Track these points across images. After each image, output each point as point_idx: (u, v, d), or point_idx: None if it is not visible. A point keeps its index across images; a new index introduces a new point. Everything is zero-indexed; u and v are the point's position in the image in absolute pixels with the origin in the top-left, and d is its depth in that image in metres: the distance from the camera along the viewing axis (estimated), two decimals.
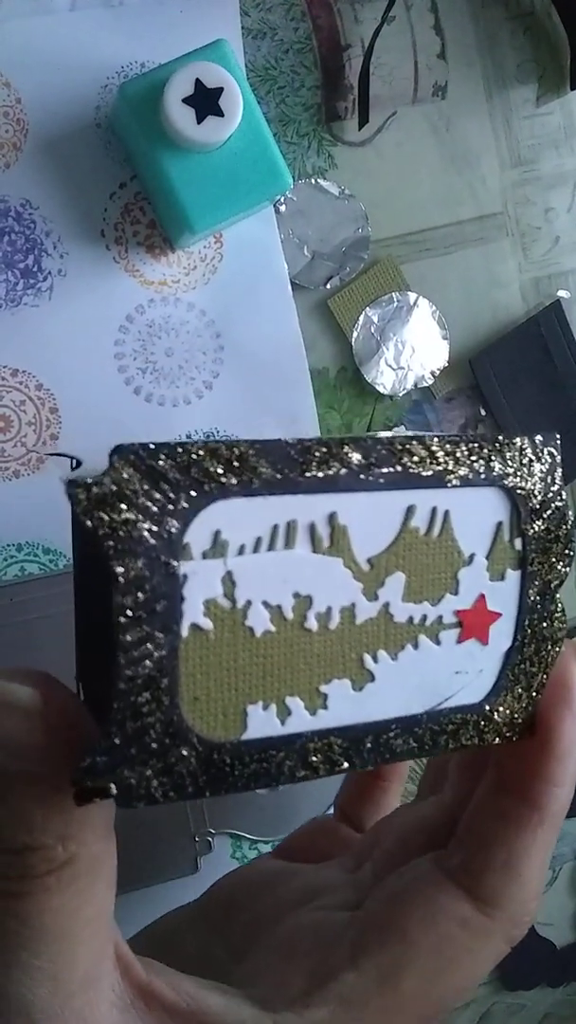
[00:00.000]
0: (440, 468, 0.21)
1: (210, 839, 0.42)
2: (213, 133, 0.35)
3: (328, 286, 0.43)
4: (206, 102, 0.35)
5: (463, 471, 0.22)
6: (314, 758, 0.20)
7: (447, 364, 0.45)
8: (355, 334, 0.44)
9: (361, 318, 0.44)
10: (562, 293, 0.47)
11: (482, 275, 0.46)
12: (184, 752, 0.18)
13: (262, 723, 0.19)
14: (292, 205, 0.42)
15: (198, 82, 0.35)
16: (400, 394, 0.44)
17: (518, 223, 0.46)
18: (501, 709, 0.23)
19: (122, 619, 0.17)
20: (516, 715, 0.23)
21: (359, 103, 0.43)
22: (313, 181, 0.43)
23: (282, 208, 0.42)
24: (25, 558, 0.40)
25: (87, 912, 0.19)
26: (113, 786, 0.18)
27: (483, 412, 0.46)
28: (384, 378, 0.44)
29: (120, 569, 0.17)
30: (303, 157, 0.43)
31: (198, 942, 0.26)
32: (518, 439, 0.23)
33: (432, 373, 0.45)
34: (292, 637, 0.20)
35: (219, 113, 0.35)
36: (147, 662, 0.18)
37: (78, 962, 0.18)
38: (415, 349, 0.44)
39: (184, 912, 0.28)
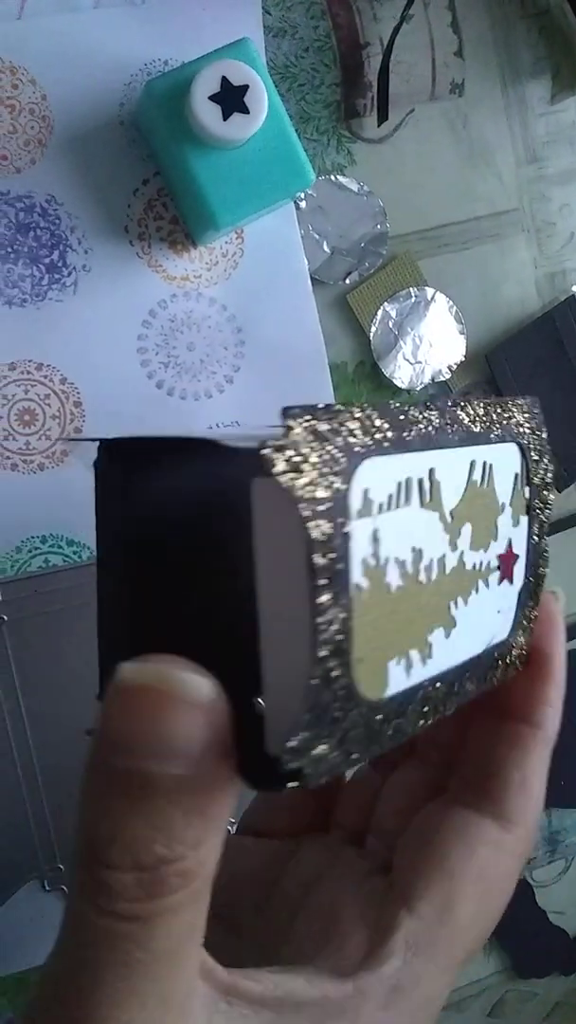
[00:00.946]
0: (485, 426, 0.23)
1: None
2: (239, 130, 0.36)
3: (347, 281, 0.44)
4: (232, 99, 0.35)
5: (498, 429, 0.24)
6: (426, 707, 0.21)
7: (464, 359, 0.46)
8: (373, 329, 0.44)
9: (379, 313, 0.44)
10: None
11: (498, 270, 0.46)
12: (357, 717, 0.18)
13: (398, 678, 0.20)
14: (312, 201, 0.43)
15: (224, 80, 0.35)
16: (417, 388, 0.45)
17: (533, 219, 0.47)
18: (519, 642, 0.25)
19: (320, 582, 0.17)
20: (524, 647, 0.26)
21: (378, 100, 0.43)
22: (333, 178, 0.43)
23: (302, 204, 0.43)
24: (49, 550, 0.41)
25: (200, 925, 0.18)
26: (308, 764, 0.17)
27: None
28: (402, 372, 0.44)
29: (315, 531, 0.17)
30: (323, 154, 0.43)
31: (216, 944, 0.26)
32: (520, 399, 0.26)
33: (449, 367, 0.45)
34: (411, 591, 0.20)
35: (245, 110, 0.36)
36: (335, 626, 0.17)
37: (185, 979, 0.18)
38: (432, 344, 0.45)
39: None
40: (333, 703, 0.17)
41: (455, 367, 0.45)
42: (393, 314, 0.44)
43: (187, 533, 0.21)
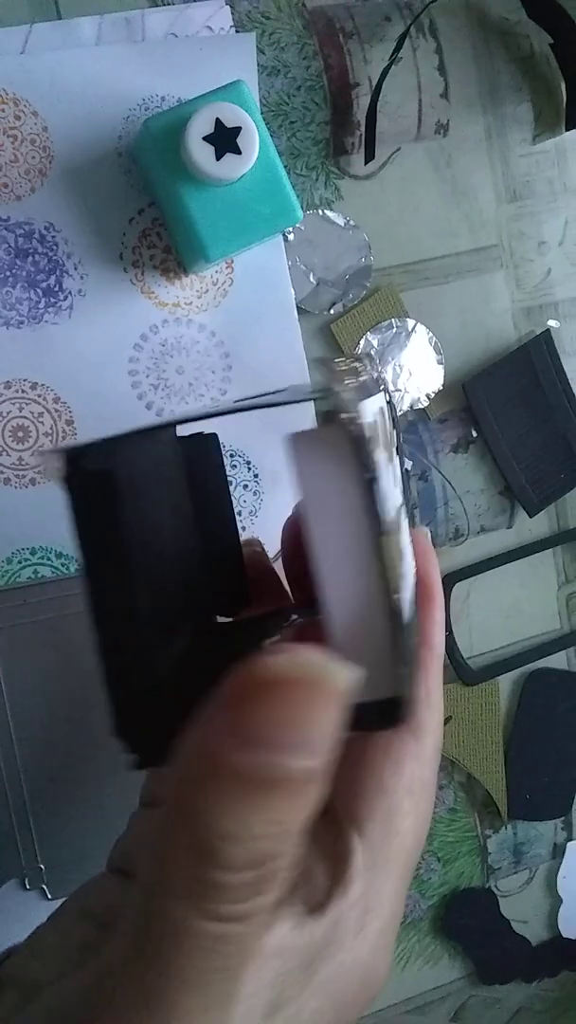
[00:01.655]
0: (376, 378, 0.27)
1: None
2: (230, 169, 0.37)
3: (332, 311, 0.46)
4: (225, 140, 0.37)
5: (380, 381, 0.27)
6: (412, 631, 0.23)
7: (442, 387, 0.48)
8: None
9: (362, 342, 0.46)
10: (552, 323, 0.50)
11: (477, 304, 0.48)
12: (409, 641, 0.21)
13: (406, 601, 0.22)
14: (300, 234, 0.45)
15: (218, 121, 0.37)
16: (397, 415, 0.47)
17: (512, 255, 0.49)
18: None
19: (386, 515, 0.19)
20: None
21: (366, 139, 0.45)
22: (320, 212, 0.45)
23: (290, 237, 0.45)
24: (39, 561, 0.42)
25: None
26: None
27: (474, 433, 0.49)
28: None
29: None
30: (311, 188, 0.45)
31: None
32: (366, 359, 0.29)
33: (427, 395, 0.47)
34: (401, 526, 0.23)
35: (237, 151, 0.37)
36: (394, 558, 0.19)
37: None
38: (412, 372, 0.47)
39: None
40: (402, 631, 0.20)
41: (433, 395, 0.47)
42: (375, 343, 0.46)
43: (176, 510, 0.22)
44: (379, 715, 0.19)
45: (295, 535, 0.31)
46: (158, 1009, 0.17)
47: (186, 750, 0.17)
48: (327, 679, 0.16)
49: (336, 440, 0.18)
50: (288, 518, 0.33)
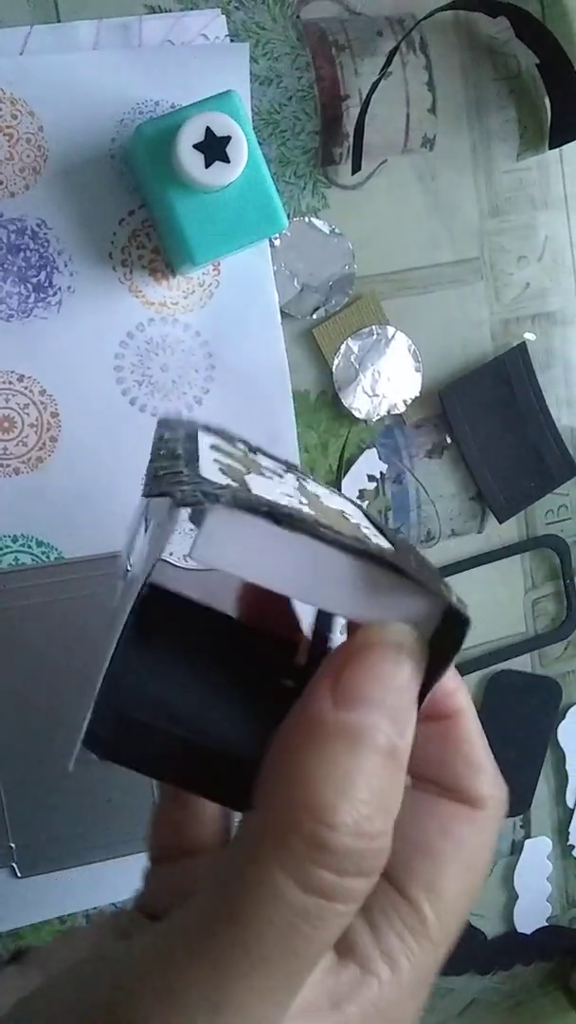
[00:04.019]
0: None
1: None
2: (219, 177, 0.39)
3: (314, 316, 0.47)
4: (214, 149, 0.38)
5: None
6: None
7: (418, 394, 0.49)
8: (336, 362, 0.47)
9: (342, 347, 0.47)
10: (528, 336, 0.51)
11: (456, 314, 0.50)
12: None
13: None
14: (286, 240, 0.46)
15: (208, 130, 0.38)
16: (374, 419, 0.48)
17: (492, 268, 0.50)
18: None
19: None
20: None
21: (353, 150, 0.46)
22: (307, 219, 0.46)
23: (277, 243, 0.46)
24: (20, 549, 0.44)
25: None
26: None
27: (449, 440, 0.50)
28: (360, 403, 0.48)
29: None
30: (299, 196, 0.47)
31: None
32: None
33: (404, 402, 0.49)
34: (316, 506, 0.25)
35: (225, 159, 0.39)
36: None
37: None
38: (390, 379, 0.48)
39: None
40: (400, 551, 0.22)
41: (410, 402, 0.49)
42: (355, 349, 0.48)
43: None
44: (446, 630, 0.20)
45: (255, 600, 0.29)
46: (224, 973, 0.16)
47: (288, 720, 0.19)
48: (397, 638, 0.19)
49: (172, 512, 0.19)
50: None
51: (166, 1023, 0.16)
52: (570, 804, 0.56)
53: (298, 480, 0.27)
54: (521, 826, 0.55)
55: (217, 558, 0.19)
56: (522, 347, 0.50)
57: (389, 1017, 0.20)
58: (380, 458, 0.49)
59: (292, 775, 0.18)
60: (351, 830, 0.17)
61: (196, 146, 0.38)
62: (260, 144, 0.41)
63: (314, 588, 0.20)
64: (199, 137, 0.38)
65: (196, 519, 0.20)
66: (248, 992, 0.17)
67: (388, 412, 0.49)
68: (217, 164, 0.39)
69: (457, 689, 0.26)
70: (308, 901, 0.17)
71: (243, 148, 0.39)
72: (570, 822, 0.56)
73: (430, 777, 0.25)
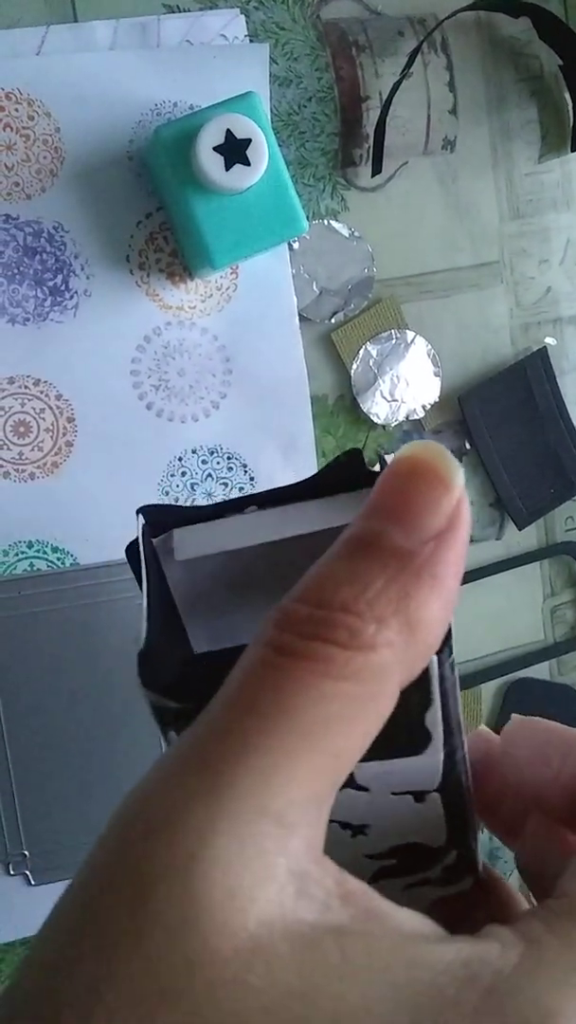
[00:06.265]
0: None
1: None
2: (239, 180, 0.38)
3: (333, 320, 0.46)
4: (234, 151, 0.38)
5: None
6: None
7: (438, 399, 0.48)
8: (354, 366, 0.47)
9: (361, 352, 0.47)
10: (549, 340, 0.50)
11: (476, 318, 0.49)
12: None
13: None
14: (305, 243, 0.45)
15: (228, 132, 0.38)
16: (392, 424, 0.48)
17: (513, 272, 0.50)
18: None
19: None
20: None
21: (373, 152, 0.46)
22: (326, 222, 0.46)
23: (295, 246, 0.45)
24: (35, 555, 0.43)
25: (352, 752, 0.17)
26: None
27: (468, 446, 0.49)
28: (378, 408, 0.47)
29: None
30: (318, 199, 0.46)
31: None
32: None
33: (423, 407, 0.48)
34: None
35: (246, 162, 0.38)
36: None
37: (291, 799, 0.16)
38: (409, 383, 0.48)
39: None
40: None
41: (429, 407, 0.48)
42: (374, 353, 0.47)
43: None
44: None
45: None
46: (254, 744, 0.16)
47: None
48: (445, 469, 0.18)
49: None
50: None
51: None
52: None
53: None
54: None
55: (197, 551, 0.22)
56: (543, 352, 0.50)
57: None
58: None
59: (312, 569, 0.18)
60: (352, 607, 0.17)
61: (216, 149, 0.38)
62: (279, 146, 0.40)
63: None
64: (219, 140, 0.38)
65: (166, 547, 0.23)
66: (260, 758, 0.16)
67: (407, 417, 0.48)
68: (237, 167, 0.38)
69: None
70: (282, 661, 0.16)
71: (264, 151, 0.38)
72: None
73: None
